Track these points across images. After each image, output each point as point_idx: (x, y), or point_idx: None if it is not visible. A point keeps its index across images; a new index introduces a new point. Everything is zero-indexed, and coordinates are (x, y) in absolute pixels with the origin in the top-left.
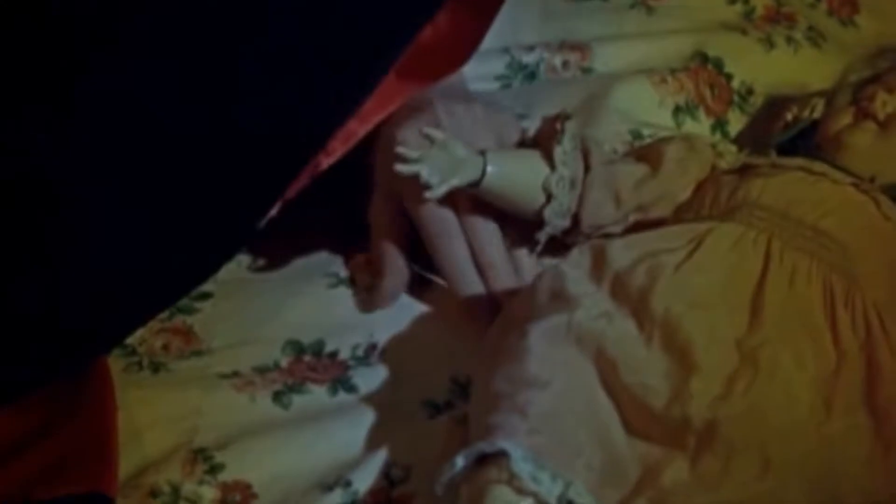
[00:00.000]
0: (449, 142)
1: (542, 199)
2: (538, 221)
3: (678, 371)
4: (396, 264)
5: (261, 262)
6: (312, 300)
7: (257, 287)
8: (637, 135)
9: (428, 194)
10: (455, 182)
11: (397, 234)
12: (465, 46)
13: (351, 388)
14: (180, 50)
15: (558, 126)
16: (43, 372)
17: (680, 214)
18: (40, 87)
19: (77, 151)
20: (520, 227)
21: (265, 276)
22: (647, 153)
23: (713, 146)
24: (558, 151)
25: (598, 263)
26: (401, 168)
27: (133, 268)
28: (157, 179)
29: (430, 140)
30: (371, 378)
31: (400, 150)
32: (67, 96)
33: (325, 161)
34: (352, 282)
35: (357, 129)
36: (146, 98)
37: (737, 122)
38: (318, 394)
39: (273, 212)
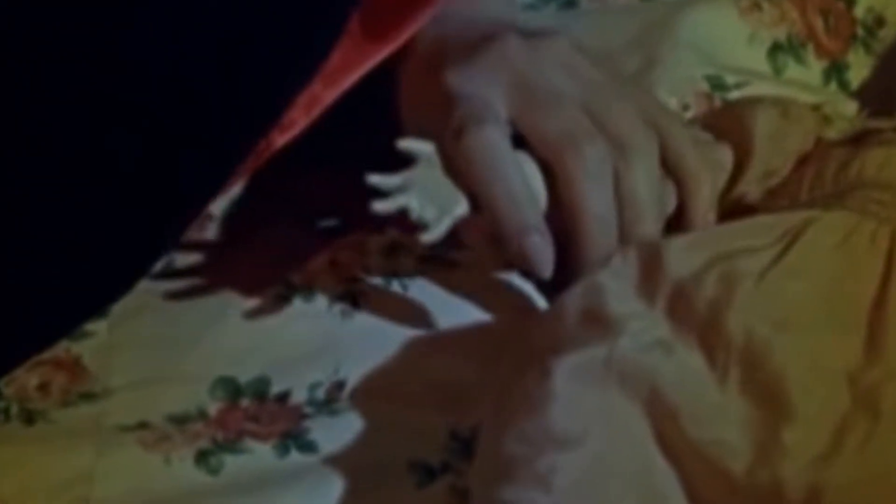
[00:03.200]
0: (436, 154)
1: None
2: None
3: (765, 419)
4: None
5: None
6: (252, 319)
7: (174, 300)
8: (718, 83)
9: (425, 237)
10: (460, 212)
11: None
12: None
13: (308, 447)
14: None
15: None
16: None
17: (769, 201)
18: None
19: None
20: None
21: (185, 284)
22: (727, 126)
23: (817, 109)
24: None
25: (651, 272)
26: (379, 206)
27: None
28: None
29: (413, 156)
30: (337, 431)
31: (374, 179)
32: None
33: (281, 138)
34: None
35: (322, 93)
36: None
37: (860, 67)
38: (261, 454)
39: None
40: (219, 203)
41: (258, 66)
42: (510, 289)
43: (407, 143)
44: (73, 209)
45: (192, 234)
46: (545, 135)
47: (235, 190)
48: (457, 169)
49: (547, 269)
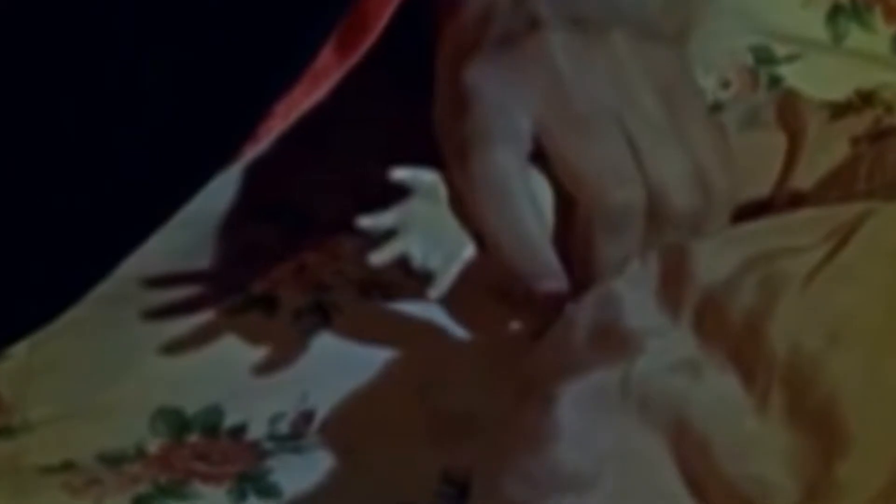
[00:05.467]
0: (440, 185)
1: None
2: None
3: (815, 451)
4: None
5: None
6: (200, 338)
7: (106, 313)
8: (764, 55)
9: (433, 294)
10: (467, 255)
11: None
12: None
13: (269, 491)
14: None
15: None
16: None
17: (820, 191)
18: None
19: None
20: None
21: (121, 293)
22: (779, 111)
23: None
24: None
25: (675, 278)
26: (375, 259)
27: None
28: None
29: (409, 188)
30: (303, 472)
31: (365, 222)
32: None
33: (253, 149)
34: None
35: (302, 100)
36: None
37: None
38: (212, 500)
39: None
40: None
41: (237, 75)
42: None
43: (402, 174)
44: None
45: None
46: (576, 167)
47: None
48: (458, 199)
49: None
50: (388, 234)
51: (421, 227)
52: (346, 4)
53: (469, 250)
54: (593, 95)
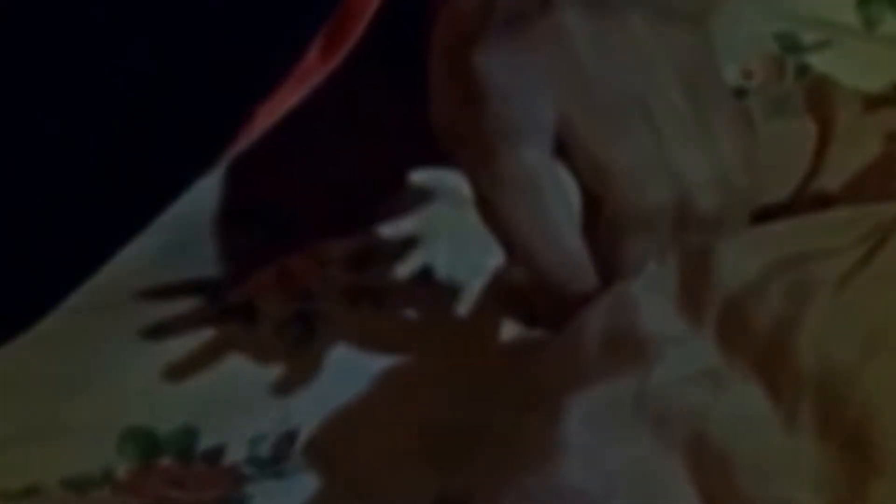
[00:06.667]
0: (464, 188)
1: None
2: None
3: (848, 470)
4: None
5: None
6: (172, 349)
7: (70, 326)
8: (791, 43)
9: (460, 309)
10: (494, 264)
11: None
12: None
13: None
14: None
15: None
16: None
17: (852, 190)
18: None
19: None
20: None
21: (87, 303)
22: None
23: None
24: None
25: (696, 282)
26: (402, 271)
27: None
28: None
29: (425, 193)
30: (286, 498)
31: (386, 230)
32: None
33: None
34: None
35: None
36: None
37: None
38: None
39: None
40: None
41: (221, 77)
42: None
43: (422, 176)
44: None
45: None
46: (602, 162)
47: None
48: (483, 203)
49: None
50: (409, 243)
51: (445, 234)
52: (331, 5)
53: (496, 259)
54: (617, 82)
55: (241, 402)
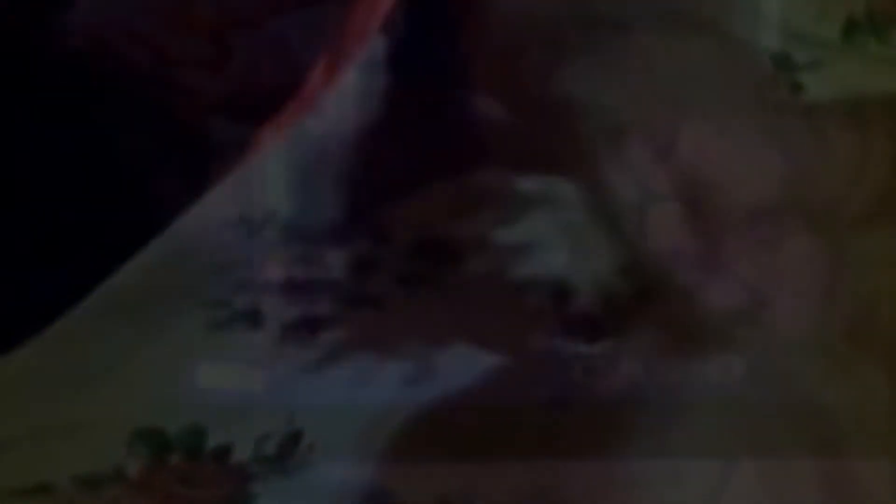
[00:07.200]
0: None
1: None
2: None
3: None
4: None
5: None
6: (181, 351)
7: (80, 324)
8: (783, 61)
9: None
10: (612, 268)
11: None
12: None
13: None
14: None
15: None
16: None
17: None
18: None
19: None
20: None
21: (98, 304)
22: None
23: None
24: None
25: None
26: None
27: None
28: None
29: (524, 200)
30: (291, 496)
31: (501, 236)
32: None
33: None
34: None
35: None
36: None
37: None
38: None
39: None
40: None
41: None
42: (514, 313)
43: (533, 184)
44: None
45: None
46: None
47: None
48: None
49: None
50: (523, 249)
51: (561, 240)
52: (334, 32)
53: (611, 263)
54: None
55: (247, 402)
